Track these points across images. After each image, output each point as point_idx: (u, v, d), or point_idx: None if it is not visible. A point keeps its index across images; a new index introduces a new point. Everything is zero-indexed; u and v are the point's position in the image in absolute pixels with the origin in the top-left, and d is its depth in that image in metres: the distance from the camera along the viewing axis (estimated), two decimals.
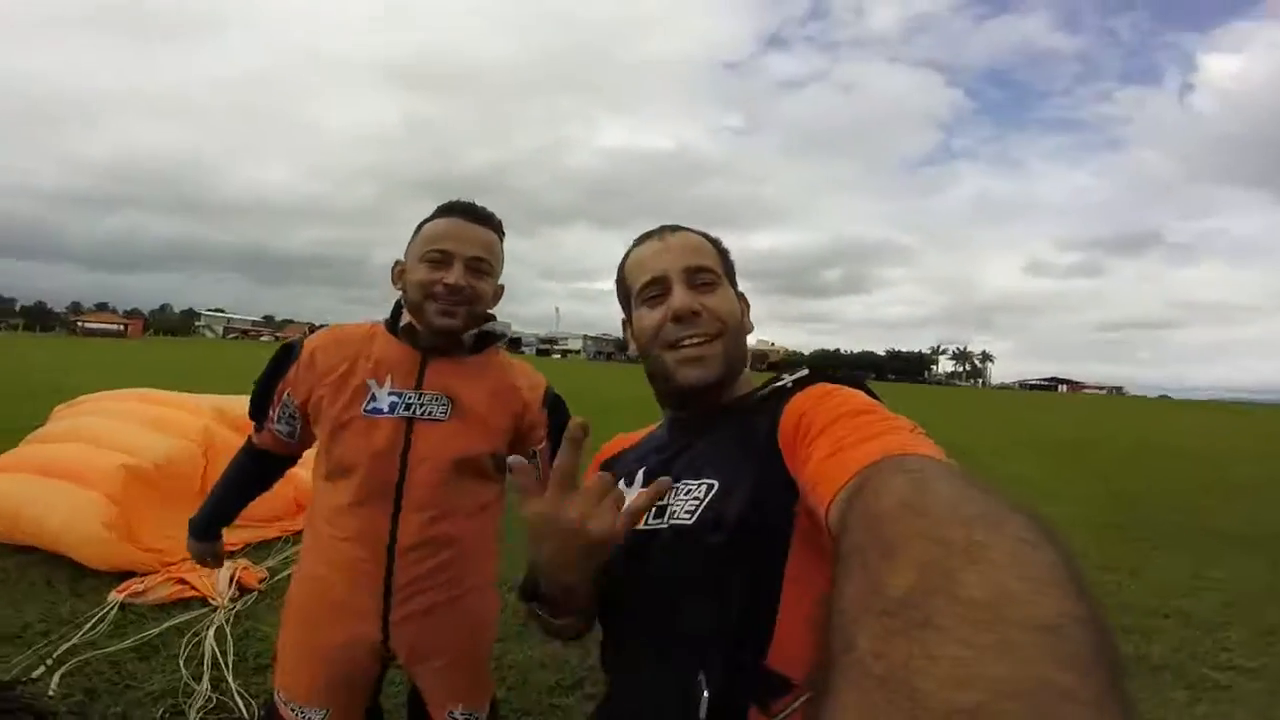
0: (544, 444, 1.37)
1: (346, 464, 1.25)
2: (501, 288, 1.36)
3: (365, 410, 1.25)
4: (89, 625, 2.84)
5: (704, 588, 0.72)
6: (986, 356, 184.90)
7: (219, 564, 1.59)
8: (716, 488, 0.76)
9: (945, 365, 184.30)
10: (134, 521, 3.72)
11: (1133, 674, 3.21)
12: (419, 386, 1.27)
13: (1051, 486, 8.40)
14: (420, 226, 1.30)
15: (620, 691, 0.83)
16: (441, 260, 1.23)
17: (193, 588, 3.32)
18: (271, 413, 1.33)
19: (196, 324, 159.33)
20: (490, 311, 1.36)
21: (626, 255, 0.96)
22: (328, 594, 1.27)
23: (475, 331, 1.33)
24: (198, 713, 2.31)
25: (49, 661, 2.51)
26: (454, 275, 1.22)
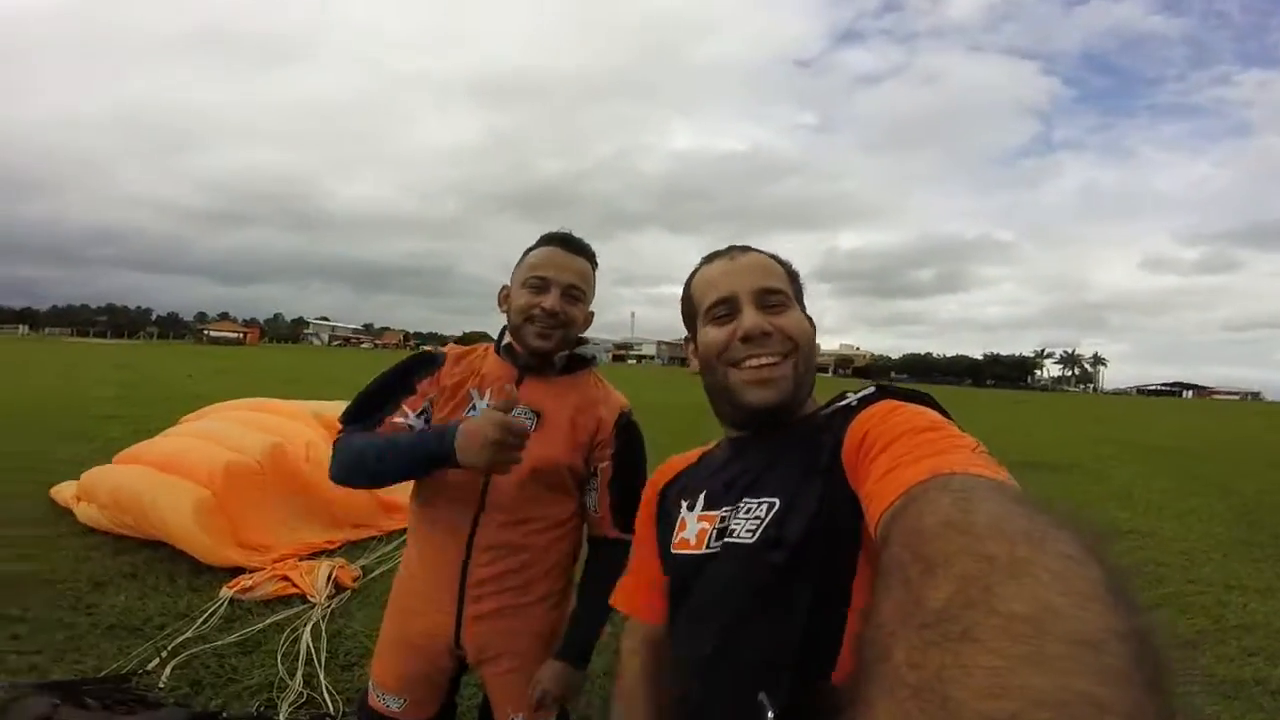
0: (607, 464, 1.41)
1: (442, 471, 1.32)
2: (592, 314, 1.46)
3: (465, 416, 1.34)
4: (201, 620, 3.07)
5: (767, 606, 0.71)
6: (1098, 359, 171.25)
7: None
8: (778, 506, 0.75)
9: (1051, 370, 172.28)
10: (237, 516, 4.03)
11: (1251, 697, 2.91)
12: None
13: (1170, 500, 7.65)
14: (524, 255, 1.41)
15: (682, 710, 0.82)
16: (540, 286, 1.34)
17: (294, 585, 3.54)
18: (408, 410, 1.39)
19: (305, 331, 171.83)
20: (582, 336, 1.46)
21: (694, 273, 0.97)
22: (415, 586, 1.39)
23: (566, 354, 1.42)
24: (289, 707, 2.44)
25: (164, 653, 2.72)
26: (550, 301, 1.33)
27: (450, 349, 1.48)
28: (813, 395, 0.90)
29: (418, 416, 1.39)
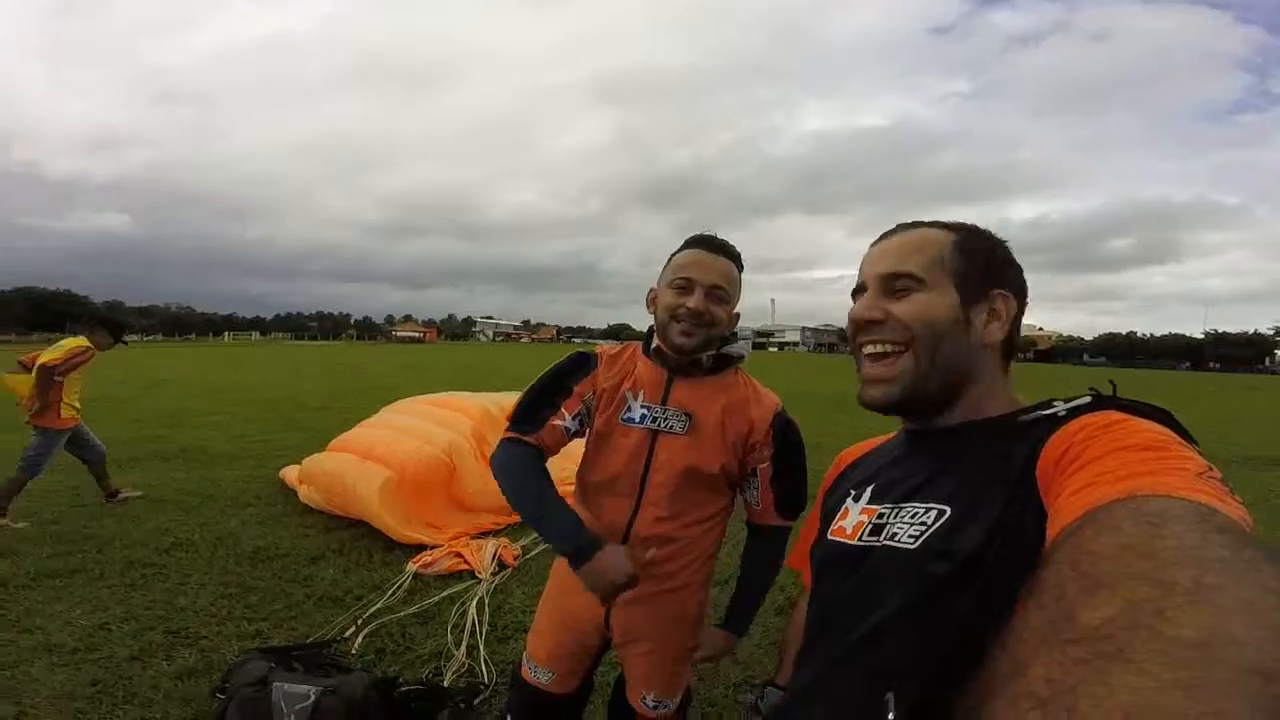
0: (767, 464, 1.46)
1: (605, 462, 1.45)
2: (737, 315, 1.48)
3: (622, 419, 1.44)
4: (389, 593, 3.47)
5: (916, 617, 0.69)
6: None
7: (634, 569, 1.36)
8: (949, 515, 0.71)
9: None
10: (418, 498, 4.56)
11: None
12: (664, 402, 1.43)
13: None
14: (670, 258, 1.47)
15: (807, 694, 0.81)
16: (685, 287, 1.39)
17: (466, 561, 3.92)
18: (565, 413, 1.45)
19: (473, 329, 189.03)
20: (731, 334, 1.49)
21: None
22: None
23: (713, 354, 1.45)
24: (452, 675, 2.69)
25: (359, 623, 3.11)
26: (695, 300, 1.37)
27: (602, 350, 1.53)
28: (1005, 389, 0.83)
29: (574, 419, 1.46)
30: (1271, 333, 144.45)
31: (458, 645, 2.92)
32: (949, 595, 0.66)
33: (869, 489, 0.85)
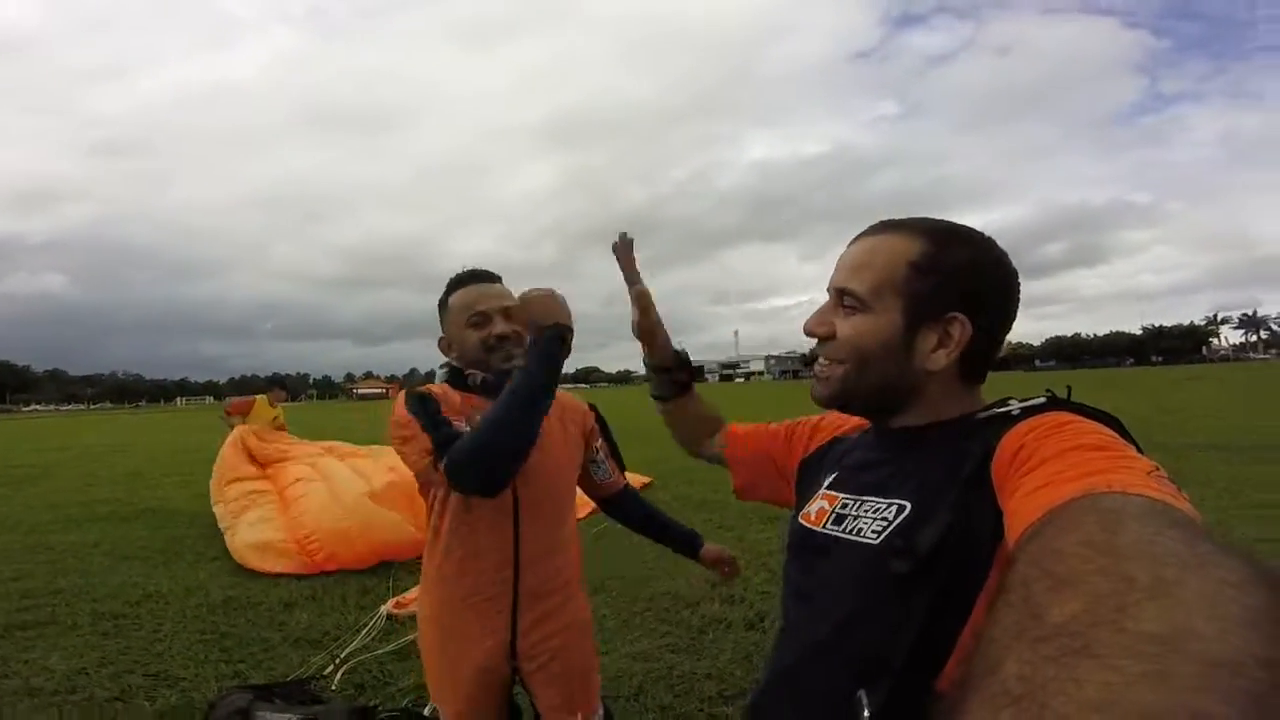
0: (601, 441, 1.65)
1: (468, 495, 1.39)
2: None
3: None
4: (364, 632, 3.49)
5: (880, 612, 0.70)
6: None
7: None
8: (908, 511, 0.73)
9: (1230, 337, 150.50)
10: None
11: None
12: None
13: None
14: (444, 304, 1.52)
15: (777, 689, 0.82)
16: (482, 321, 1.46)
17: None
18: (458, 422, 1.39)
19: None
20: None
21: None
22: (464, 605, 1.41)
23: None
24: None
25: (336, 661, 3.14)
26: (499, 326, 1.45)
27: (434, 388, 1.49)
28: (970, 393, 0.82)
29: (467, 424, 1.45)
30: (1204, 323, 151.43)
31: None
32: (910, 591, 0.67)
33: (832, 476, 0.88)
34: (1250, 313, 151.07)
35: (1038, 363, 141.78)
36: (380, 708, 2.62)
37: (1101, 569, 0.32)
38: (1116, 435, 0.63)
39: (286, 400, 8.56)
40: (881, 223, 0.84)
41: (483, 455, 1.23)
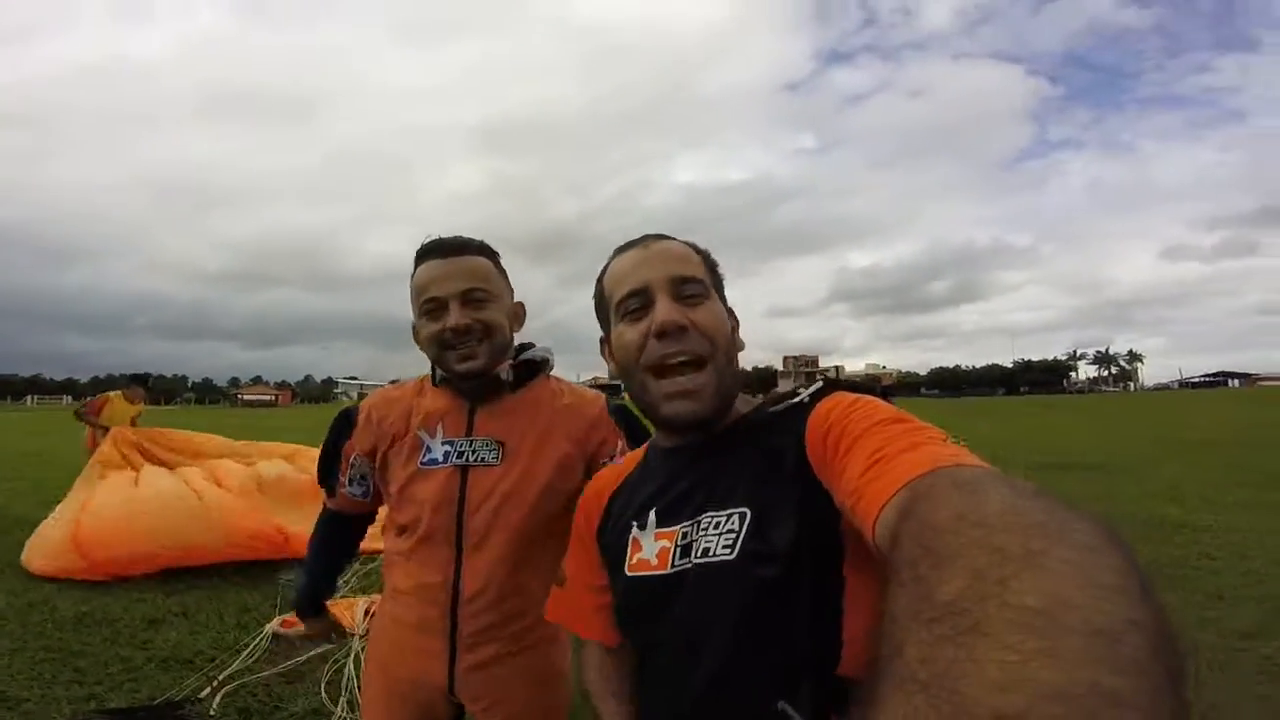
0: (622, 445, 1.29)
1: (409, 518, 1.26)
2: (521, 306, 1.32)
3: (421, 463, 1.24)
4: (246, 652, 3.17)
5: (766, 622, 0.68)
6: (1134, 356, 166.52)
7: (340, 636, 1.71)
8: (750, 516, 0.71)
9: (1087, 371, 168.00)
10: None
11: None
12: (469, 433, 1.25)
13: (1219, 493, 7.41)
14: (411, 281, 1.25)
15: None
16: (436, 308, 1.19)
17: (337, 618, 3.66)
18: (342, 478, 1.35)
19: (335, 391, 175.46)
20: (526, 342, 1.34)
21: (605, 268, 0.88)
22: (404, 639, 1.28)
23: (511, 364, 1.28)
24: None
25: (214, 683, 2.82)
26: (453, 318, 1.17)
27: (366, 403, 1.35)
28: (744, 396, 0.85)
29: (353, 485, 1.36)
30: (1067, 357, 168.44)
31: (335, 702, 2.72)
32: (785, 593, 0.67)
33: (651, 513, 0.81)
34: (1103, 350, 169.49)
35: (923, 390, 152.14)
36: None
37: (975, 541, 0.34)
38: (897, 408, 0.68)
39: (145, 400, 7.68)
40: (648, 235, 0.87)
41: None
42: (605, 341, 0.89)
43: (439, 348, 1.20)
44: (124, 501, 4.78)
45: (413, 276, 1.24)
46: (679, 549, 0.76)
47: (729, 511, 0.73)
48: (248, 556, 4.64)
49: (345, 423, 1.35)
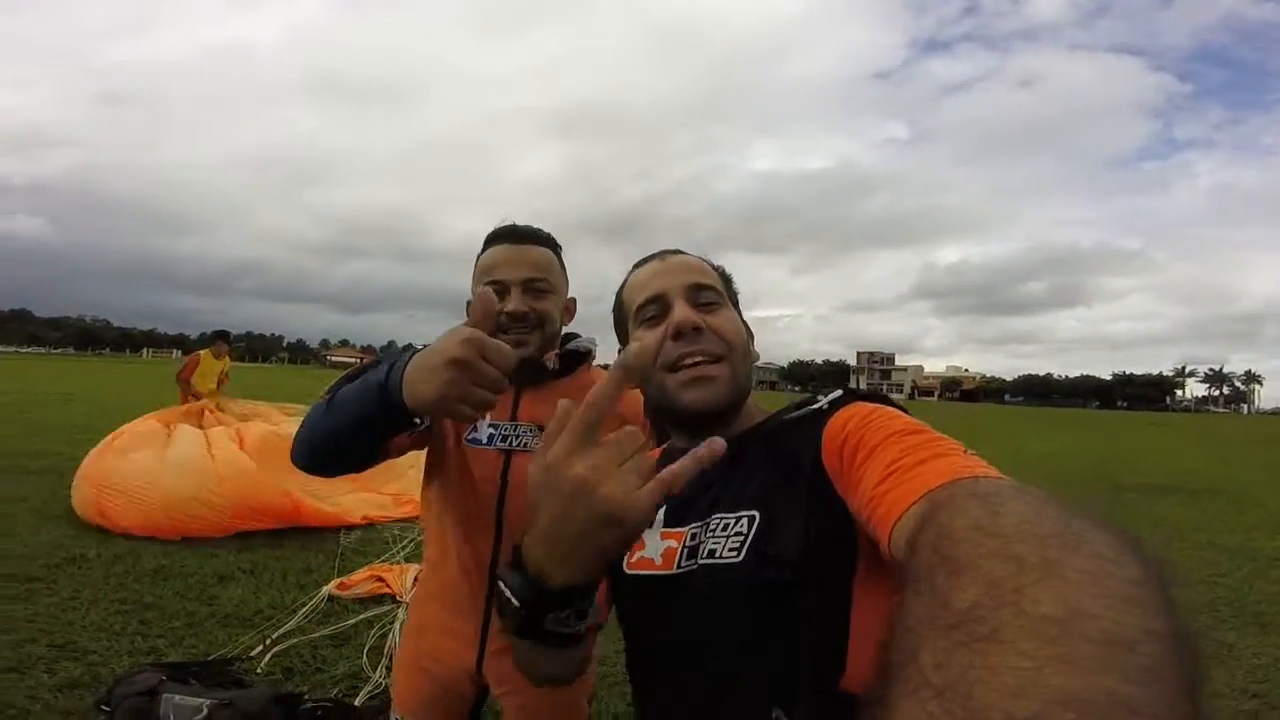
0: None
1: (452, 492, 1.28)
2: (573, 301, 1.35)
3: (467, 439, 1.26)
4: (301, 613, 3.33)
5: (769, 627, 0.68)
6: (1252, 377, 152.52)
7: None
8: (759, 519, 0.71)
9: (1195, 390, 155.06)
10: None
11: None
12: (514, 418, 1.27)
13: None
14: (476, 261, 1.29)
15: None
16: (499, 291, 1.22)
17: (387, 585, 3.80)
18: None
19: None
20: (572, 332, 1.36)
21: (624, 282, 0.92)
22: (436, 615, 1.32)
23: (558, 353, 1.31)
24: (365, 697, 2.60)
25: (266, 642, 2.98)
26: (513, 303, 1.21)
27: None
28: (756, 403, 0.87)
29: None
30: (1173, 373, 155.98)
31: (374, 667, 2.82)
32: (791, 599, 0.66)
33: (659, 513, 0.82)
34: (1216, 368, 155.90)
35: (1007, 397, 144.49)
36: (307, 695, 2.49)
37: (992, 551, 0.34)
38: (914, 418, 0.68)
39: (229, 354, 8.15)
40: (666, 250, 0.91)
41: (297, 443, 1.07)
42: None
43: (494, 329, 1.21)
44: (144, 471, 4.86)
45: (480, 255, 1.28)
46: (686, 550, 0.77)
47: (739, 514, 0.73)
48: (254, 528, 4.74)
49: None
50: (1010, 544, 0.34)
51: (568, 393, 1.25)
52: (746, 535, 0.71)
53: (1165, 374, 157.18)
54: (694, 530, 0.77)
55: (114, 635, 2.97)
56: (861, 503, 0.60)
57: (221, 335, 8.29)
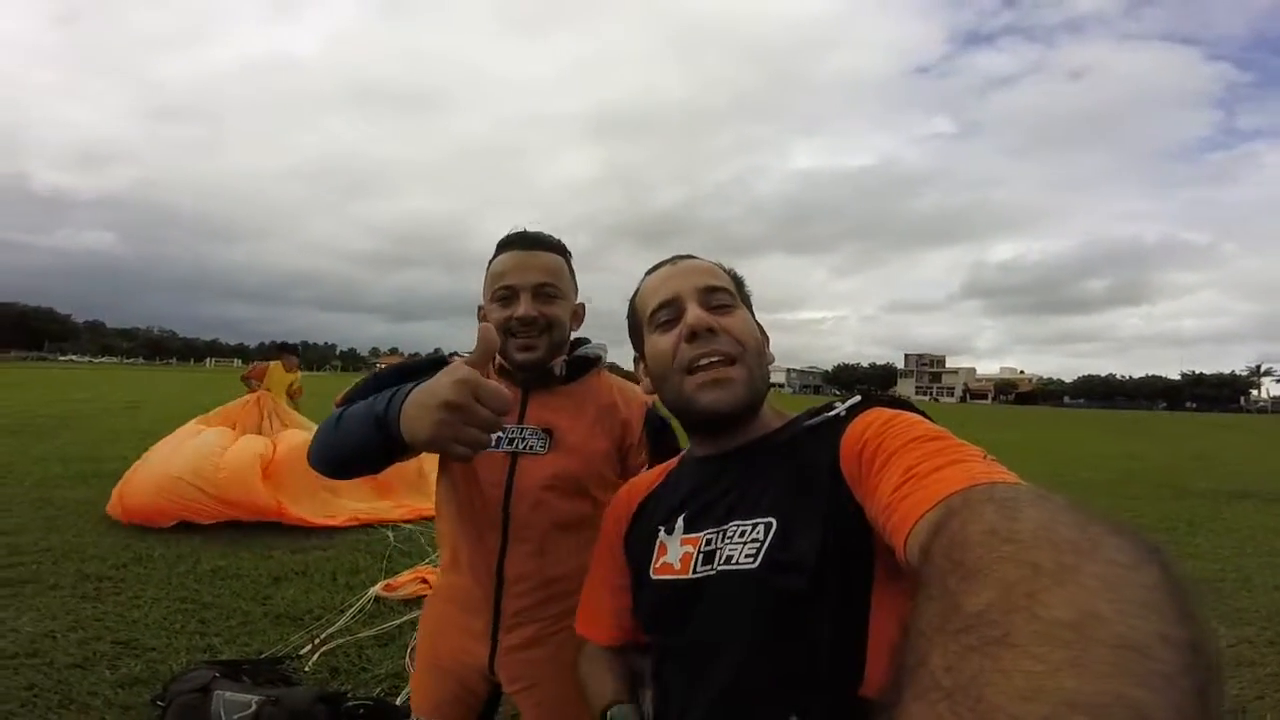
0: (644, 458, 1.32)
1: (460, 493, 1.29)
2: (582, 307, 1.36)
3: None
4: (350, 613, 3.42)
5: (787, 630, 0.68)
6: None
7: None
8: (775, 526, 0.71)
9: (1272, 389, 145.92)
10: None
11: None
12: (521, 422, 1.28)
13: None
14: (488, 266, 1.31)
15: None
16: (509, 296, 1.24)
17: (431, 587, 3.87)
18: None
19: None
20: (582, 336, 1.38)
21: (638, 288, 0.94)
22: (449, 615, 1.34)
23: (565, 359, 1.33)
24: (406, 696, 2.63)
25: (315, 641, 3.06)
26: (523, 308, 1.22)
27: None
28: (774, 407, 0.87)
29: None
30: (1246, 374, 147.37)
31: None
32: (812, 604, 0.67)
33: (680, 519, 0.83)
34: None
35: (1066, 399, 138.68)
36: (350, 694, 2.55)
37: (1006, 556, 0.33)
38: (936, 424, 0.67)
39: (299, 366, 8.40)
40: (677, 255, 0.92)
41: (311, 451, 1.11)
42: (640, 359, 0.93)
43: (503, 334, 1.24)
44: (161, 459, 5.32)
45: (491, 261, 1.30)
46: (702, 555, 0.77)
47: (755, 520, 0.73)
48: (243, 518, 5.02)
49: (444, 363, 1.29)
50: (1025, 549, 0.34)
51: (575, 398, 1.33)
52: (762, 542, 0.71)
53: (1239, 373, 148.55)
54: (710, 536, 0.78)
55: (174, 633, 3.10)
56: (878, 509, 0.60)
57: (288, 348, 8.35)
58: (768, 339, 0.90)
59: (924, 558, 0.42)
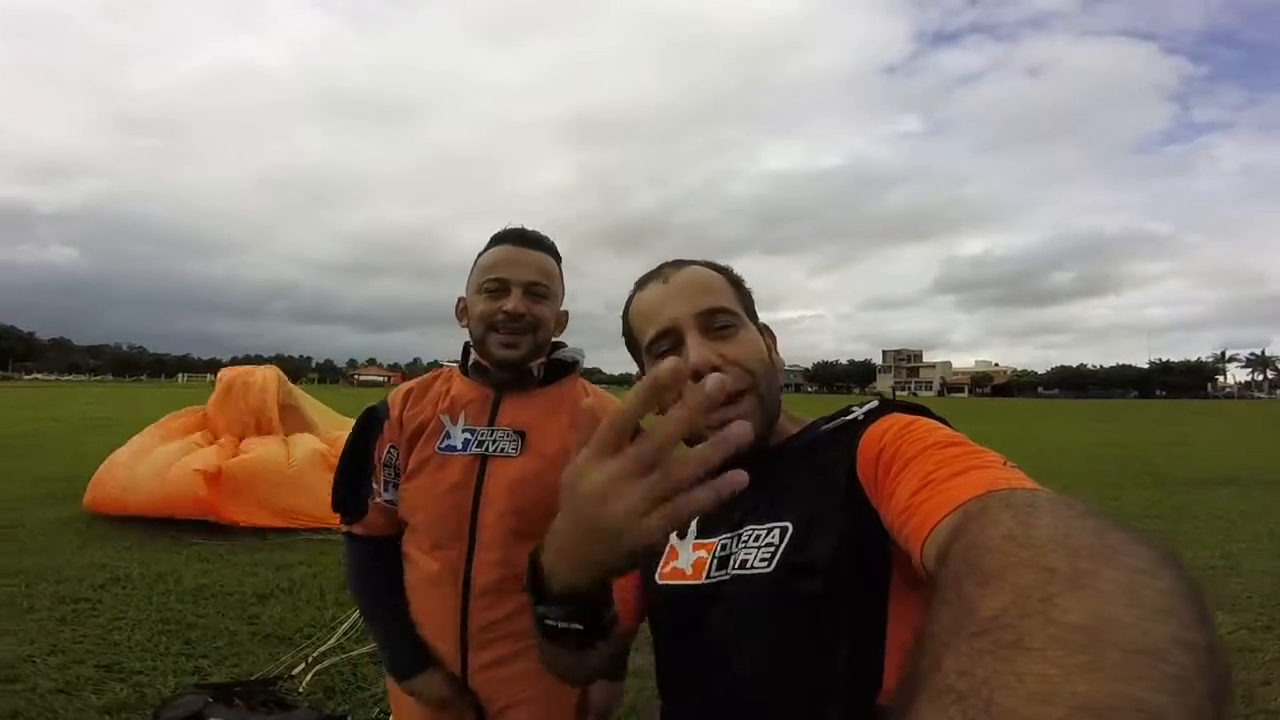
0: None
1: (422, 503, 1.24)
2: (565, 314, 1.34)
3: (439, 448, 1.23)
4: (341, 631, 3.32)
5: (801, 639, 0.67)
6: None
7: (461, 695, 1.25)
8: (791, 531, 0.70)
9: (1237, 375, 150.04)
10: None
11: None
12: (492, 423, 1.24)
13: None
14: (476, 260, 1.29)
15: None
16: (498, 289, 1.22)
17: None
18: (376, 485, 1.29)
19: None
20: (560, 340, 1.35)
21: (629, 301, 0.88)
22: (415, 621, 1.27)
23: (543, 361, 1.30)
24: None
25: (307, 661, 2.96)
26: (512, 302, 1.20)
27: (394, 394, 1.35)
28: (787, 412, 0.85)
29: (386, 490, 1.28)
30: (1213, 359, 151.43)
31: None
32: (829, 609, 0.66)
33: (692, 523, 0.81)
34: (1259, 352, 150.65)
35: (1040, 390, 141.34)
36: (349, 716, 2.48)
37: (1023, 561, 0.33)
38: (953, 430, 0.67)
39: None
40: (667, 263, 0.86)
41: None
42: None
43: (486, 327, 1.22)
44: (133, 454, 5.78)
45: (481, 254, 1.28)
46: (716, 560, 0.76)
47: (770, 525, 0.72)
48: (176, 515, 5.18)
49: (373, 421, 1.31)
50: (1042, 554, 0.33)
51: (550, 401, 1.30)
52: (778, 546, 0.70)
53: (1205, 360, 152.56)
54: (724, 541, 0.76)
55: (159, 655, 3.00)
56: (895, 514, 0.59)
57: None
58: (774, 338, 0.87)
59: (941, 562, 0.42)
